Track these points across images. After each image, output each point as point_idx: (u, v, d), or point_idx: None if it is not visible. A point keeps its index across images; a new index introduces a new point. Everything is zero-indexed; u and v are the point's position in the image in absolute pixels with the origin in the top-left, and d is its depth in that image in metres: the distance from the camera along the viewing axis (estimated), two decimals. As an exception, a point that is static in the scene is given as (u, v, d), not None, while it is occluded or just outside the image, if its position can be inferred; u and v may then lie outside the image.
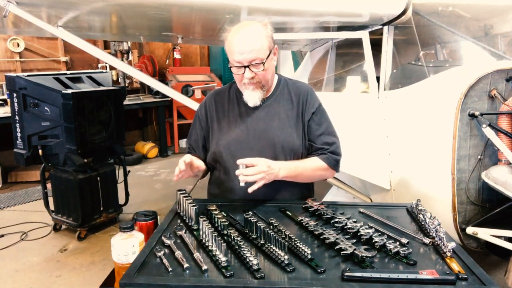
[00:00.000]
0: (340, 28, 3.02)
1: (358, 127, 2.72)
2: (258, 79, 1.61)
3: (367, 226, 1.30)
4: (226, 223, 1.31)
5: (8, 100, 4.24)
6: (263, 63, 1.57)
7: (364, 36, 2.76)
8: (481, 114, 1.96)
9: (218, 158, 1.72)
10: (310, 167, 1.68)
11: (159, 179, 5.33)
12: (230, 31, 1.61)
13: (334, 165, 1.72)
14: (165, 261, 1.11)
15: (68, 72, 3.89)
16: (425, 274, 1.02)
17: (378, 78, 2.77)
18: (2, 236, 3.57)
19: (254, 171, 1.48)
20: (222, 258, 1.09)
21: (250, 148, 1.65)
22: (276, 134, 1.68)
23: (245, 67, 1.56)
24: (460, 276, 1.03)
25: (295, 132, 1.70)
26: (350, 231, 1.29)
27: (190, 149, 1.83)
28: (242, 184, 1.49)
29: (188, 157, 1.58)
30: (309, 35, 3.35)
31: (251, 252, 1.12)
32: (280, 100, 1.73)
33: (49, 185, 3.63)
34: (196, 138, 1.81)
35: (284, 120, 1.70)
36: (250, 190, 1.49)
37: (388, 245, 1.17)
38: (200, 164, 1.72)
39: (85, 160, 3.39)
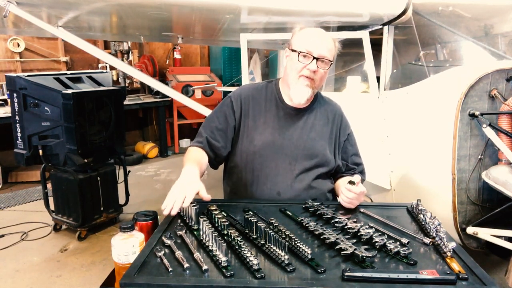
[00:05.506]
0: (340, 28, 3.03)
1: (359, 127, 2.71)
2: (316, 77, 1.60)
3: (367, 226, 1.30)
4: (226, 223, 1.31)
5: (8, 100, 4.24)
6: (330, 63, 1.60)
7: (364, 36, 2.76)
8: (482, 114, 1.96)
9: (250, 158, 1.66)
10: None
11: (159, 179, 5.33)
12: (302, 28, 1.64)
13: None
14: (165, 261, 1.11)
15: (68, 72, 3.89)
16: (425, 274, 1.02)
17: (378, 78, 2.78)
18: (2, 236, 3.56)
19: (354, 200, 1.48)
20: (222, 258, 1.09)
21: (285, 154, 1.65)
22: (312, 145, 1.68)
23: (314, 58, 1.56)
24: (461, 276, 1.03)
25: (327, 147, 1.72)
26: (350, 231, 1.29)
27: (209, 138, 1.66)
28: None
29: (190, 197, 1.35)
30: (309, 35, 3.35)
31: (251, 252, 1.11)
32: (317, 113, 1.74)
33: (49, 185, 3.62)
34: (223, 128, 1.69)
35: (320, 133, 1.71)
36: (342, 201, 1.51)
37: (388, 245, 1.17)
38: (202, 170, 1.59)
39: (85, 160, 3.39)
